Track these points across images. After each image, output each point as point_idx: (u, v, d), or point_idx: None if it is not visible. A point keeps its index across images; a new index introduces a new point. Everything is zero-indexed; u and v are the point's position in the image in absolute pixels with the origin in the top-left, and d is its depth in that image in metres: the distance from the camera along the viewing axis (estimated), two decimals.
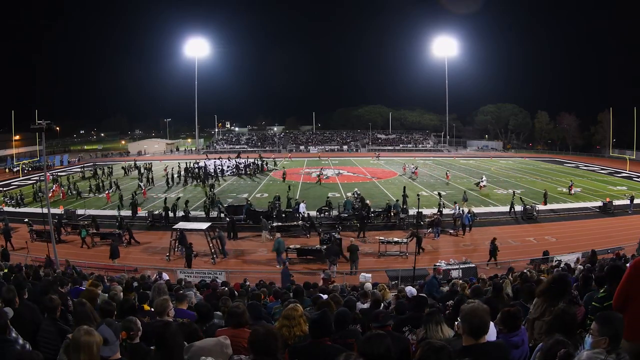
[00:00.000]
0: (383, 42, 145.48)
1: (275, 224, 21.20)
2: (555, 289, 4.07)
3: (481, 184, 33.49)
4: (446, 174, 39.72)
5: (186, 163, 41.92)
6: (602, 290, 4.18)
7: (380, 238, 19.07)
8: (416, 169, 41.83)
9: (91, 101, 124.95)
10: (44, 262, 14.80)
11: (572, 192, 31.34)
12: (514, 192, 28.16)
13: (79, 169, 47.08)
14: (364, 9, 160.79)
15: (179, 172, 39.07)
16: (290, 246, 18.06)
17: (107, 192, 30.88)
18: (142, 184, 33.50)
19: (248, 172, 42.92)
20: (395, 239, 18.95)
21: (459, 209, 22.89)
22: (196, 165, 41.52)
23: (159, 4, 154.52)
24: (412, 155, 64.92)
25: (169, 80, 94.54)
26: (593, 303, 4.14)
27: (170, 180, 36.02)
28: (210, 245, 18.02)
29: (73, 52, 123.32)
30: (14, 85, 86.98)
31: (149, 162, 48.76)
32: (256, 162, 45.70)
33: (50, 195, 30.22)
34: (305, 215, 22.52)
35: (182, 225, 19.11)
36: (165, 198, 26.86)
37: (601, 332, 2.66)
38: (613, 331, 2.66)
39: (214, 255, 17.92)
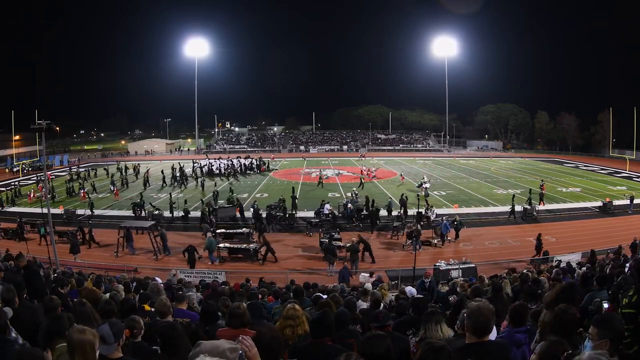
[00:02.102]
0: (383, 42, 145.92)
1: (219, 231, 20.49)
2: (563, 299, 3.90)
3: (423, 185, 30.74)
4: (400, 175, 39.46)
5: (180, 163, 41.69)
6: (630, 293, 3.44)
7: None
8: (373, 170, 41.01)
9: (91, 101, 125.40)
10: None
11: (544, 192, 29.00)
12: (513, 195, 26.73)
13: (67, 171, 46.67)
14: (364, 9, 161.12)
15: (178, 172, 38.87)
16: (220, 245, 18.58)
17: (82, 191, 31.06)
18: (112, 187, 33.26)
19: (228, 173, 41.75)
20: (339, 244, 18.24)
21: (433, 213, 22.79)
22: (194, 165, 41.44)
23: (159, 4, 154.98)
24: (412, 155, 64.84)
25: (169, 80, 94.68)
26: (627, 310, 3.34)
27: (147, 181, 35.83)
28: (153, 242, 18.56)
29: (73, 52, 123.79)
30: (14, 85, 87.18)
31: (137, 162, 48.86)
32: (245, 161, 45.02)
33: (32, 196, 30.34)
34: (329, 214, 23.05)
35: (128, 223, 20.10)
36: (143, 199, 26.89)
37: (601, 335, 2.61)
38: (613, 333, 2.61)
39: (157, 252, 18.53)
